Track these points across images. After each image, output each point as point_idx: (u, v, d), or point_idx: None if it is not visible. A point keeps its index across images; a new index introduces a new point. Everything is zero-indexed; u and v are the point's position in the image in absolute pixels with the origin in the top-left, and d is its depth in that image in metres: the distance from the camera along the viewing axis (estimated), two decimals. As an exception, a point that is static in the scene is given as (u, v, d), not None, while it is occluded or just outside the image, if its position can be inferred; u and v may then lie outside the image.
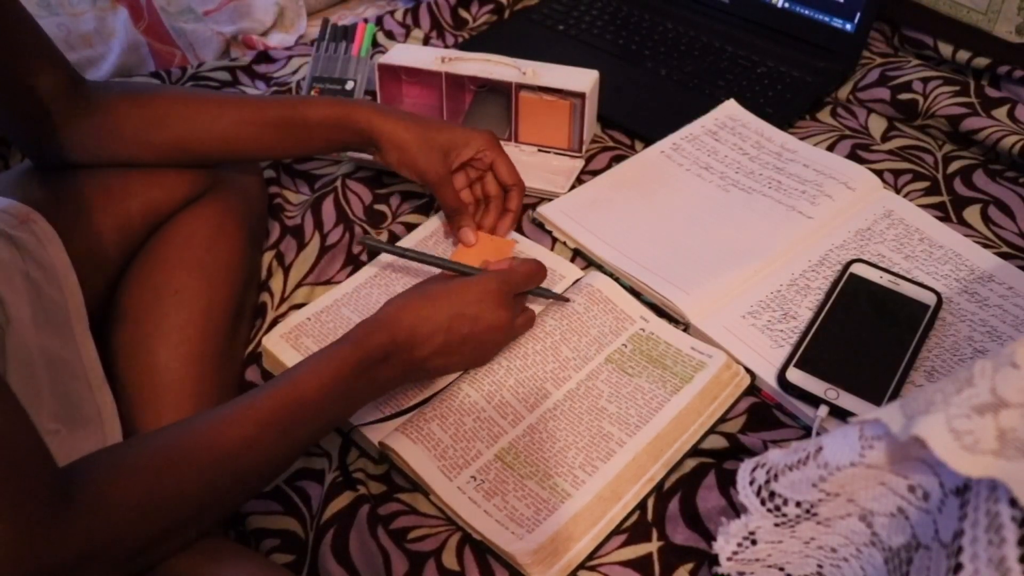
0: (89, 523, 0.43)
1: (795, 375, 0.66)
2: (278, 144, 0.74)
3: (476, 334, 0.63)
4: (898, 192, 0.86)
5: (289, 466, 0.60)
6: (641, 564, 0.58)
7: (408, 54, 0.91)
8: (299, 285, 0.79)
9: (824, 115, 0.97)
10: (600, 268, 0.79)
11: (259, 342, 0.75)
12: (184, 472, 0.49)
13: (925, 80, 0.95)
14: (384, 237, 0.83)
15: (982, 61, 0.97)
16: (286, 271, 0.81)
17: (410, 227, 0.84)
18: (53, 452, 0.44)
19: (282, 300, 0.78)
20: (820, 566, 0.50)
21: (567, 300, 0.72)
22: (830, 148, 0.91)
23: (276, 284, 0.80)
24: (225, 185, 0.77)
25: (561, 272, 0.77)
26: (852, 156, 0.90)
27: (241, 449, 0.51)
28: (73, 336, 0.63)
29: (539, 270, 0.69)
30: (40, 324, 0.61)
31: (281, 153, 0.78)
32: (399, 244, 0.81)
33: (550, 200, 0.85)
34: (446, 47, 1.11)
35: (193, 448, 0.49)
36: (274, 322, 0.76)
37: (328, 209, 0.86)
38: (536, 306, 0.74)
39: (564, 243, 0.82)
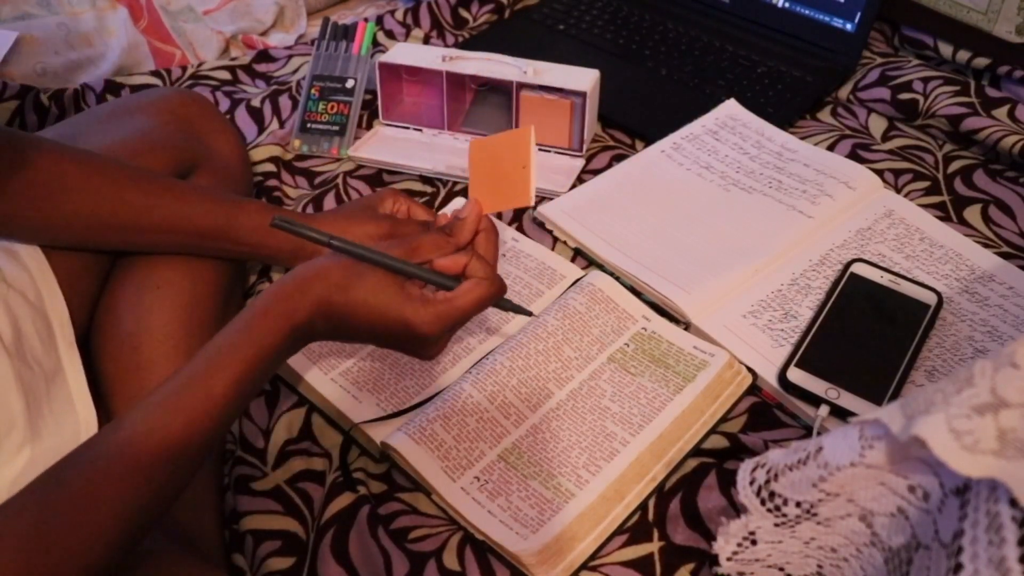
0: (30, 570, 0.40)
1: (796, 375, 0.66)
2: (197, 250, 0.69)
3: (401, 349, 0.58)
4: (898, 192, 0.86)
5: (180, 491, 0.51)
6: (642, 564, 0.58)
7: (409, 53, 0.91)
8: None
9: (824, 115, 0.97)
10: (601, 267, 0.79)
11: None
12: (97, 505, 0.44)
13: (925, 80, 0.95)
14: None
15: (982, 61, 0.98)
16: (285, 267, 0.80)
17: (411, 227, 0.84)
18: (23, 473, 0.42)
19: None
20: (820, 566, 0.50)
21: (531, 314, 0.64)
22: (830, 148, 0.91)
23: (276, 278, 0.79)
24: (208, 167, 0.75)
25: (562, 272, 0.77)
26: (852, 156, 0.90)
27: (136, 501, 0.45)
28: (58, 353, 0.62)
29: (492, 293, 0.57)
30: (19, 343, 0.60)
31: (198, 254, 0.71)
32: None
33: (551, 199, 0.85)
34: (446, 46, 1.11)
35: (100, 482, 0.44)
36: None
37: (330, 204, 0.86)
38: (537, 306, 0.74)
39: (565, 242, 0.82)
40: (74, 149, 0.64)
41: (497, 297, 0.58)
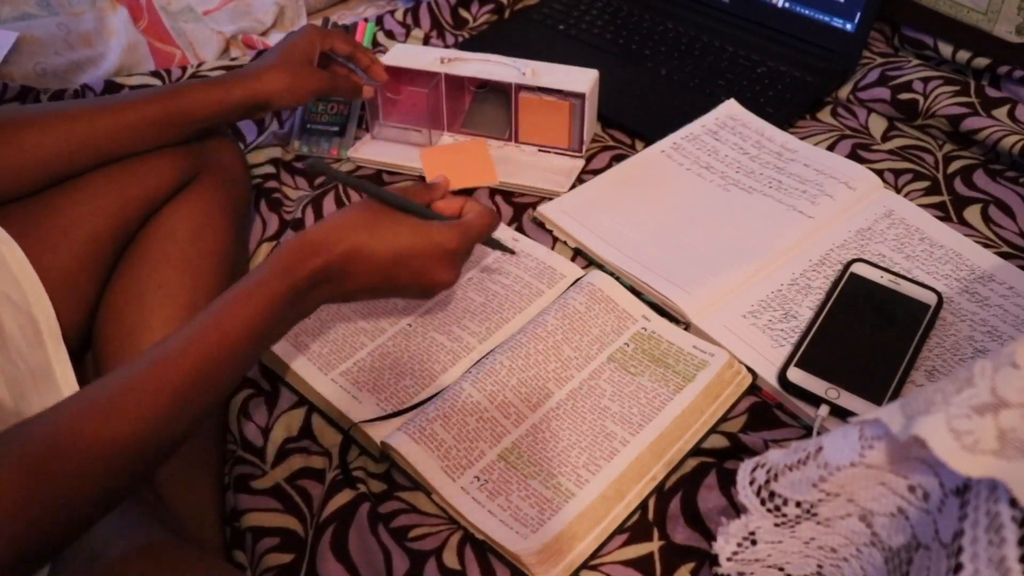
0: (52, 469, 0.42)
1: (796, 375, 0.66)
2: (157, 140, 0.72)
3: (414, 284, 0.60)
4: (898, 192, 0.86)
5: (201, 421, 0.52)
6: (642, 564, 0.58)
7: (408, 54, 0.91)
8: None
9: (824, 115, 0.97)
10: (601, 267, 0.79)
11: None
12: (127, 410, 0.45)
13: (925, 80, 0.95)
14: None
15: (982, 61, 0.98)
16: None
17: (411, 227, 0.84)
18: None
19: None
20: (820, 566, 0.50)
21: (513, 253, 0.74)
22: (830, 148, 0.91)
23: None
24: (209, 173, 0.76)
25: (562, 271, 0.77)
26: (852, 156, 0.90)
27: (150, 426, 0.46)
28: (45, 350, 0.63)
29: (494, 220, 0.64)
30: (2, 340, 0.60)
31: (161, 146, 0.73)
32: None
33: (551, 199, 0.85)
34: (446, 47, 1.11)
35: (80, 440, 0.44)
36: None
37: (328, 206, 0.86)
38: (537, 306, 0.74)
39: (565, 242, 0.82)
40: (27, 107, 0.72)
41: (496, 224, 0.65)
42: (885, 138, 0.93)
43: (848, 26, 1.01)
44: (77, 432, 0.44)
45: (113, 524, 0.53)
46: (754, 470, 0.50)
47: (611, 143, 0.95)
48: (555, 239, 0.83)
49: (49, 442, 0.44)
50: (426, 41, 1.13)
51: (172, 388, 0.47)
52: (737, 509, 0.52)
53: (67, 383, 0.62)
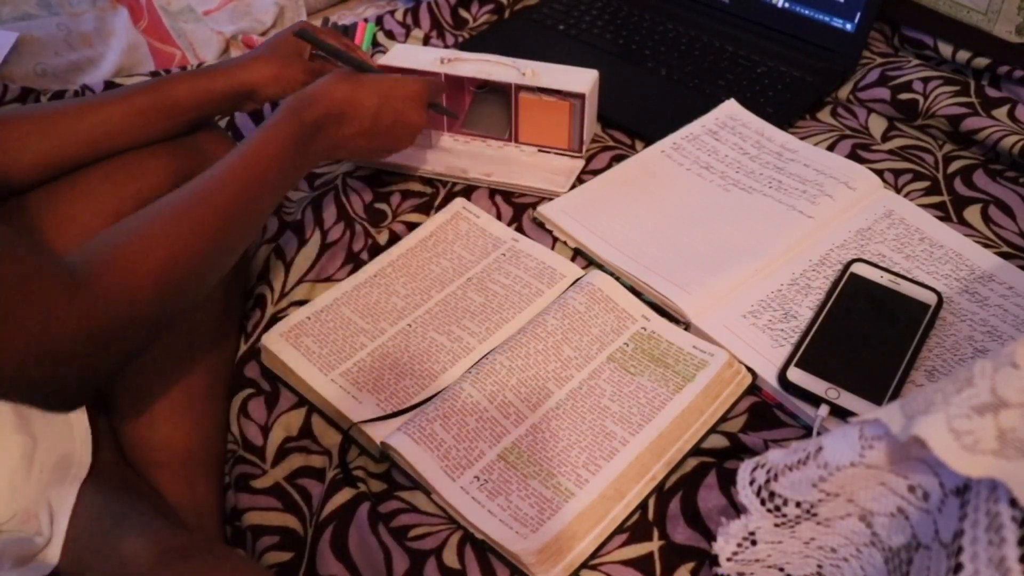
0: (115, 297, 0.48)
1: (796, 374, 0.66)
2: (146, 131, 0.73)
3: (395, 126, 0.73)
4: (898, 192, 0.86)
5: (239, 251, 0.63)
6: (642, 563, 0.59)
7: (408, 55, 0.91)
8: (299, 282, 0.79)
9: (824, 115, 0.97)
10: (601, 267, 0.79)
11: (258, 338, 0.75)
12: (180, 231, 0.54)
13: (925, 80, 0.95)
14: (385, 236, 0.83)
15: (982, 61, 0.98)
16: (287, 267, 0.81)
17: (411, 225, 0.84)
18: (20, 456, 0.47)
19: (282, 295, 0.78)
20: (820, 566, 0.50)
21: (456, 117, 0.90)
22: (830, 148, 0.91)
23: (276, 279, 0.80)
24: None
25: (562, 271, 0.77)
26: (852, 156, 0.90)
27: (220, 217, 0.56)
28: None
29: (441, 82, 0.85)
30: None
31: (151, 139, 0.75)
32: (400, 244, 0.81)
33: (551, 199, 0.86)
34: (446, 47, 1.11)
35: (180, 214, 0.54)
36: (274, 317, 0.76)
37: (328, 206, 0.86)
38: (537, 306, 0.74)
39: (565, 242, 0.82)
40: (30, 108, 0.73)
41: (443, 88, 0.84)
42: (885, 138, 0.93)
43: (848, 26, 1.01)
44: (130, 254, 0.51)
45: (141, 528, 0.54)
46: (754, 470, 0.50)
47: (611, 143, 0.95)
48: (555, 239, 0.83)
49: (107, 259, 0.49)
50: (426, 41, 1.13)
51: (216, 213, 0.56)
52: (737, 509, 0.52)
53: None
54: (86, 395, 0.52)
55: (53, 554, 0.56)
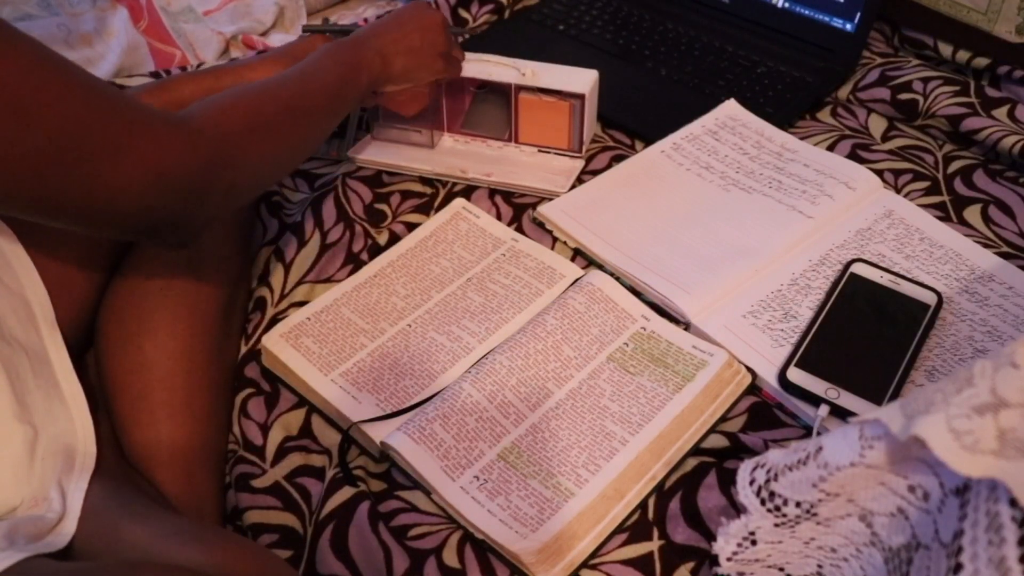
0: (211, 135, 0.55)
1: (796, 375, 0.66)
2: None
3: (427, 47, 0.79)
4: (898, 192, 0.86)
5: (304, 150, 0.70)
6: (642, 563, 0.59)
7: (409, 54, 0.91)
8: (299, 283, 0.79)
9: (824, 115, 0.97)
10: (600, 267, 0.79)
11: (259, 340, 0.75)
12: (267, 105, 0.61)
13: (925, 80, 0.95)
14: (384, 237, 0.83)
15: (982, 61, 0.98)
16: (286, 268, 0.81)
17: (411, 226, 0.84)
18: (21, 443, 0.52)
19: (282, 296, 0.78)
20: (820, 566, 0.50)
21: (467, 36, 1.04)
22: (830, 148, 0.91)
23: (276, 280, 0.80)
24: None
25: (562, 271, 0.77)
26: (852, 156, 0.90)
27: (289, 98, 0.64)
28: (39, 333, 0.63)
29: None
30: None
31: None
32: (400, 244, 0.81)
33: (550, 200, 0.86)
34: (446, 47, 1.11)
35: (257, 90, 0.62)
36: (274, 319, 0.76)
37: (328, 207, 0.86)
38: (537, 306, 0.74)
39: (564, 242, 0.82)
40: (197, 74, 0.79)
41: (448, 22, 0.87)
42: (885, 138, 0.93)
43: (848, 26, 1.01)
44: (220, 106, 0.58)
45: (147, 514, 0.55)
46: (754, 470, 0.50)
47: (611, 143, 0.95)
48: (555, 239, 0.83)
49: (202, 108, 0.57)
50: (426, 41, 1.13)
51: (276, 103, 0.62)
52: (737, 509, 0.52)
53: (63, 368, 0.62)
54: (198, 229, 0.58)
55: (69, 527, 0.56)
